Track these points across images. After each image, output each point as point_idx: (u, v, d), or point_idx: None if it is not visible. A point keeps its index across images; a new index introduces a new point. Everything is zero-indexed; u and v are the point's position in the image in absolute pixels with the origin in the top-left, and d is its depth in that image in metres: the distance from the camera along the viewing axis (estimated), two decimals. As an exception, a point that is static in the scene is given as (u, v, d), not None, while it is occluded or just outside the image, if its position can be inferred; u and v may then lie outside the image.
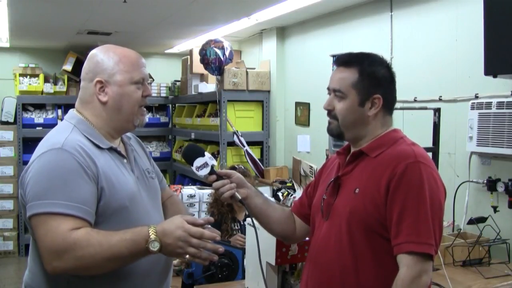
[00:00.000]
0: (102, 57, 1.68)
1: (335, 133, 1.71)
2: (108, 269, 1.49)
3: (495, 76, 2.76)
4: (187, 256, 1.54)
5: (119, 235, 1.47)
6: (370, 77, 1.64)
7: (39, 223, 1.47)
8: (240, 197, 1.76)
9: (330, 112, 1.69)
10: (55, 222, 1.45)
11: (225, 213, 3.41)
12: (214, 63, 4.98)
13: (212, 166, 1.75)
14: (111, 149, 1.68)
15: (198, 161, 1.75)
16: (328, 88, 1.70)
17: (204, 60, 5.04)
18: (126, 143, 1.80)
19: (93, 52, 1.73)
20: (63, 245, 1.42)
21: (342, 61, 1.70)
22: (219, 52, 4.96)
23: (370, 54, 1.70)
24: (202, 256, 1.53)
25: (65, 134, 1.59)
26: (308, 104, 4.85)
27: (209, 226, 1.61)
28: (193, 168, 1.76)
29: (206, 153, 1.77)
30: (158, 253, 1.48)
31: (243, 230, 3.31)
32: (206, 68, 5.13)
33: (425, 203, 1.49)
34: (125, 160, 1.72)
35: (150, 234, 1.46)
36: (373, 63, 1.66)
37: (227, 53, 5.02)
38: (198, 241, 1.50)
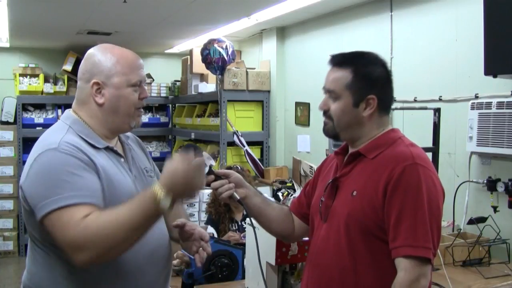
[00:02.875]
0: (100, 57, 1.65)
1: (331, 134, 1.70)
2: (130, 242, 1.44)
3: (495, 76, 2.76)
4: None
5: (127, 206, 1.42)
6: (365, 77, 1.61)
7: (54, 221, 1.44)
8: (238, 197, 1.76)
9: (326, 113, 1.68)
10: (67, 215, 1.43)
11: (222, 213, 3.41)
12: (217, 63, 4.97)
13: (210, 166, 1.74)
14: (108, 149, 1.67)
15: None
16: (324, 88, 1.69)
17: (207, 59, 5.02)
18: (124, 142, 1.79)
19: (90, 51, 1.69)
20: (78, 236, 1.40)
21: (336, 61, 1.67)
22: (222, 51, 4.96)
23: (365, 53, 1.68)
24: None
25: (60, 135, 1.57)
26: (308, 104, 4.85)
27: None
28: None
29: (204, 153, 1.75)
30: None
31: (240, 230, 3.31)
32: (208, 67, 5.12)
33: (423, 206, 1.48)
34: (122, 159, 1.71)
35: (158, 193, 1.40)
36: (368, 63, 1.64)
37: (229, 53, 5.02)
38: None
